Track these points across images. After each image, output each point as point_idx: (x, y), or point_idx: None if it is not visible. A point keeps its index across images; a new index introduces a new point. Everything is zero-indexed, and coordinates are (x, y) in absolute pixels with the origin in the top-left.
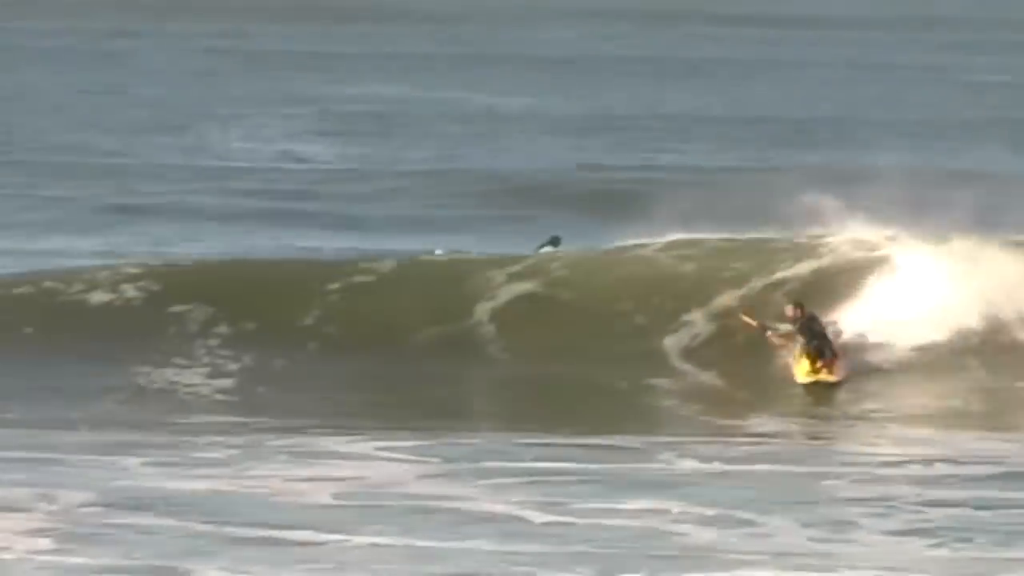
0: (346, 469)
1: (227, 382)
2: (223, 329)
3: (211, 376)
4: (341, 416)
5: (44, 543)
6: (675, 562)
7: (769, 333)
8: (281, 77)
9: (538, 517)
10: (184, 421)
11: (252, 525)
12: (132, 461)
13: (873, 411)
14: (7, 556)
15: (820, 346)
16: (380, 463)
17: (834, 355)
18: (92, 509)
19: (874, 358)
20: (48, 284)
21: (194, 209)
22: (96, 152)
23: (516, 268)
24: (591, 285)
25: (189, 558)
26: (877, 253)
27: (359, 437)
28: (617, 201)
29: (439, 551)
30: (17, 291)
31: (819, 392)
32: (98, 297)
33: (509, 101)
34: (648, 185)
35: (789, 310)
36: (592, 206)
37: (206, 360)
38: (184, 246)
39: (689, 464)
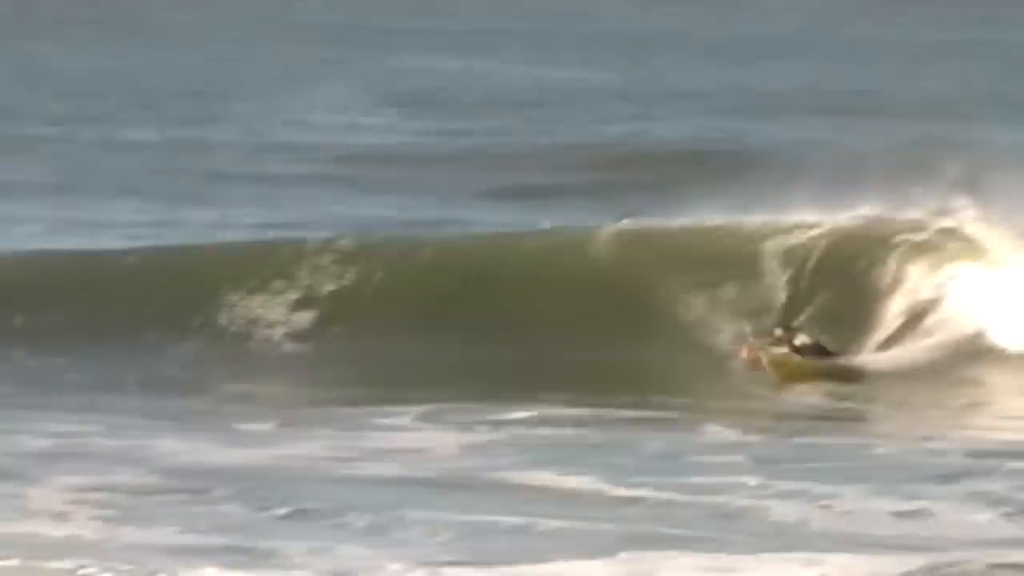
0: (404, 441)
1: (307, 316)
2: (344, 243)
3: (296, 308)
4: (398, 386)
5: (105, 515)
6: (754, 541)
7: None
8: (338, 50)
9: (606, 491)
10: (244, 387)
11: (312, 499)
12: (190, 433)
13: (929, 388)
14: (61, 533)
15: (800, 347)
16: (435, 435)
17: (822, 351)
18: (147, 482)
19: (933, 339)
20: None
21: (270, 178)
22: (159, 124)
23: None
24: None
25: (250, 534)
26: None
27: (418, 407)
28: (709, 174)
29: (501, 527)
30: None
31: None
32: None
33: (573, 74)
34: (737, 158)
35: (778, 332)
36: (675, 178)
37: (306, 281)
38: (260, 215)
39: (753, 437)
